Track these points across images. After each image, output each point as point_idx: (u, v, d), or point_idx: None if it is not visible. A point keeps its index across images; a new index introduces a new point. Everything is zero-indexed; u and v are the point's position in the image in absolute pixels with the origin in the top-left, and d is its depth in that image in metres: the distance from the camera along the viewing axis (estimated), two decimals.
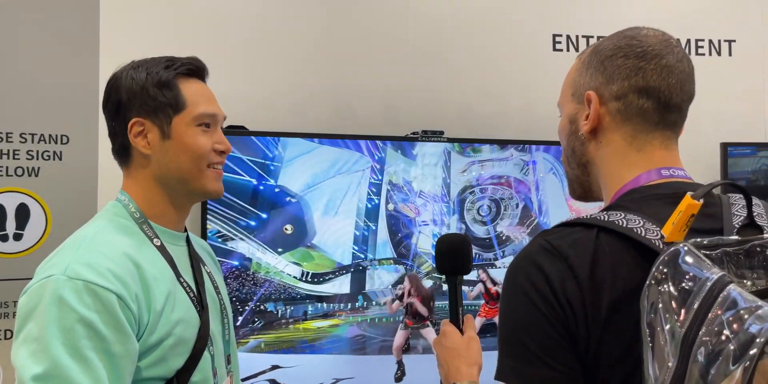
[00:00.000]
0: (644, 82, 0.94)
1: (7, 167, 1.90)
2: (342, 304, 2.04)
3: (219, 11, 2.17)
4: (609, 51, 0.97)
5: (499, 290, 1.17)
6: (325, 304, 2.02)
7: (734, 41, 2.56)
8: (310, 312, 2.00)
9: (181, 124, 1.12)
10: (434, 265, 2.10)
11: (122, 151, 1.14)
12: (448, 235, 1.33)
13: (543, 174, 2.25)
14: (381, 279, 2.08)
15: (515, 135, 2.29)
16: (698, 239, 0.76)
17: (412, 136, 2.17)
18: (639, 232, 0.82)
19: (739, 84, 2.52)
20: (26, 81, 1.93)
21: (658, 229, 0.82)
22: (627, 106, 0.95)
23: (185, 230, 1.21)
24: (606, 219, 0.86)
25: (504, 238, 2.21)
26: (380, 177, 2.09)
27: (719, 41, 2.56)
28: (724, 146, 2.45)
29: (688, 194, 0.78)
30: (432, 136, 2.18)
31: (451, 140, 2.17)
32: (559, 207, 2.26)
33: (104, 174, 1.99)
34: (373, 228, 2.07)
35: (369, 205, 2.07)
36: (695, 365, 0.67)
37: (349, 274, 2.05)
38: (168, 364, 1.05)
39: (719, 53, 2.55)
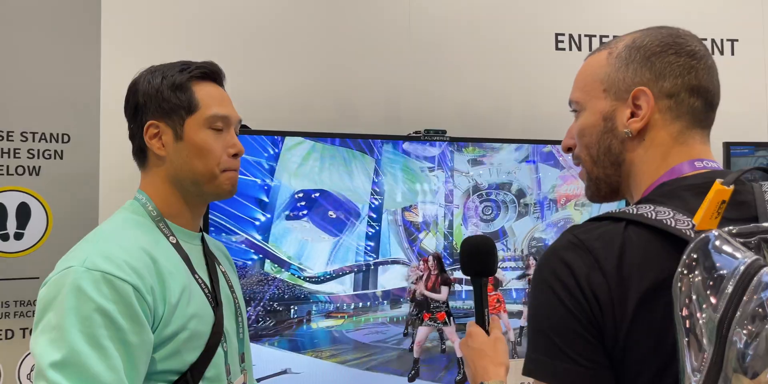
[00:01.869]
0: (696, 81, 0.93)
1: (7, 166, 1.89)
2: (347, 305, 2.03)
3: (221, 12, 2.16)
4: (656, 47, 0.94)
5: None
6: (331, 305, 2.02)
7: (737, 40, 2.56)
8: (314, 311, 1.99)
9: (193, 125, 1.16)
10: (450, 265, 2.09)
11: (140, 153, 1.19)
12: (473, 237, 1.32)
13: (545, 173, 2.25)
14: (386, 280, 2.07)
15: (517, 134, 2.28)
16: (732, 227, 0.75)
17: (414, 135, 2.16)
18: (669, 223, 0.81)
19: (742, 83, 2.52)
20: (27, 80, 1.92)
21: (689, 219, 0.81)
22: (679, 104, 0.93)
23: (200, 230, 1.25)
24: (635, 212, 0.85)
25: (509, 236, 2.21)
26: (382, 176, 2.08)
27: (722, 40, 2.56)
28: (727, 146, 2.45)
29: (717, 181, 0.77)
30: (434, 135, 2.17)
31: (453, 139, 2.17)
32: (561, 205, 2.25)
33: (105, 173, 1.98)
34: (377, 228, 2.06)
35: (372, 205, 2.06)
36: (732, 350, 0.66)
37: (353, 275, 2.04)
38: (182, 357, 1.08)
39: (722, 52, 2.55)
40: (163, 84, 1.16)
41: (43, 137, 1.93)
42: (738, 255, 0.70)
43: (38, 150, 1.92)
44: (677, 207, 0.84)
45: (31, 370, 1.89)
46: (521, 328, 2.21)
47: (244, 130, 1.96)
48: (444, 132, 2.17)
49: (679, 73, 0.93)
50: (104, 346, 0.97)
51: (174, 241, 1.15)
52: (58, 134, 1.94)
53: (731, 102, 2.51)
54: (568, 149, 1.06)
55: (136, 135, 1.18)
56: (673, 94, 0.93)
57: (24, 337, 1.89)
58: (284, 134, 2.00)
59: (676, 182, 0.90)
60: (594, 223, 0.87)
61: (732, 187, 0.77)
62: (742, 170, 0.81)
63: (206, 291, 1.15)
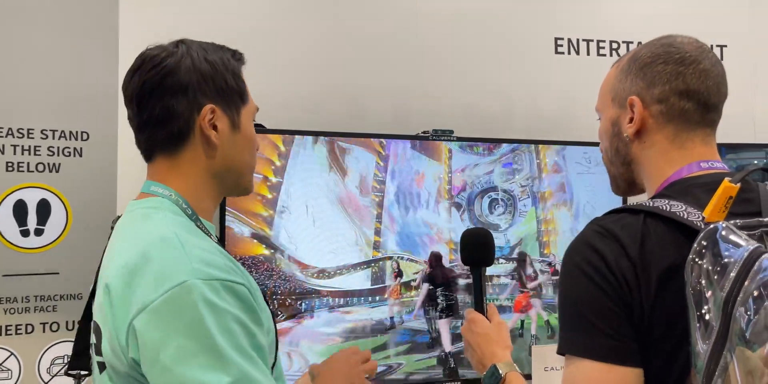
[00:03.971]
0: (684, 86, 1.04)
1: (28, 163, 1.91)
2: (357, 299, 2.09)
3: (236, 12, 2.20)
4: (648, 58, 1.06)
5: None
6: (341, 300, 2.07)
7: (725, 46, 2.68)
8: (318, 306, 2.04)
9: (246, 116, 1.08)
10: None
11: (179, 138, 1.01)
12: (472, 229, 1.43)
13: (549, 172, 2.33)
14: (394, 275, 2.13)
15: (520, 135, 2.36)
16: (738, 220, 0.85)
17: (422, 135, 2.22)
18: (682, 216, 0.92)
19: (731, 87, 2.63)
20: (46, 78, 1.94)
21: (699, 212, 0.91)
22: (669, 108, 1.04)
23: None
24: (651, 205, 0.95)
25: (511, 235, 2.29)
26: (390, 175, 2.14)
27: (711, 46, 2.66)
28: (717, 147, 2.55)
29: (726, 179, 0.88)
30: (442, 135, 2.24)
31: (460, 139, 2.24)
32: (564, 203, 2.34)
33: (124, 170, 2.01)
34: (384, 225, 2.12)
35: (378, 202, 2.12)
36: (735, 326, 0.76)
37: (360, 271, 2.09)
38: (271, 359, 0.98)
39: None
40: (221, 65, 1.04)
41: (62, 135, 1.95)
42: (742, 243, 0.80)
43: (58, 147, 1.95)
44: (689, 202, 0.94)
45: (52, 364, 1.91)
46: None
47: (260, 129, 2.00)
48: (451, 132, 2.25)
49: (666, 80, 1.03)
50: (252, 356, 0.89)
51: (216, 241, 1.03)
52: (77, 132, 1.97)
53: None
54: (602, 151, 1.18)
55: (177, 117, 1.00)
56: (663, 99, 1.03)
57: (44, 331, 1.91)
58: (295, 133, 2.05)
59: (686, 181, 1.01)
60: (615, 215, 0.97)
61: (738, 184, 0.87)
62: (747, 170, 0.92)
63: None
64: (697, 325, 0.81)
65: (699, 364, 0.79)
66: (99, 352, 0.98)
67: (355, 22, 2.34)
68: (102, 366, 0.97)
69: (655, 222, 0.93)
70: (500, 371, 1.17)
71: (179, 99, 1.00)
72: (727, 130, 2.55)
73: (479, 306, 1.29)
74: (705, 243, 0.83)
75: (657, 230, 0.92)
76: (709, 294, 0.80)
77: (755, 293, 0.76)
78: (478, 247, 1.36)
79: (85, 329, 1.11)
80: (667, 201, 0.95)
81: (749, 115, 2.69)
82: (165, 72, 1.01)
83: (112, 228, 1.07)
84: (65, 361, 1.91)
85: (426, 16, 2.41)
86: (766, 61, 2.70)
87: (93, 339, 1.02)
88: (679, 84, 1.03)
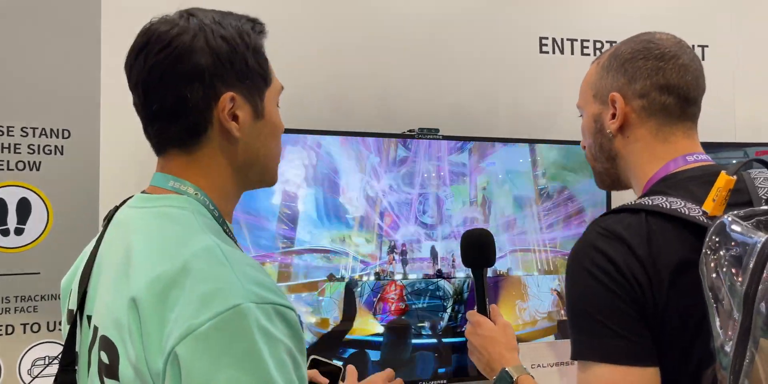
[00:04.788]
0: (665, 81, 1.05)
1: (8, 161, 1.88)
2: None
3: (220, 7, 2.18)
4: (628, 54, 1.08)
5: None
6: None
7: (707, 46, 2.70)
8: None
9: (270, 100, 0.94)
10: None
11: (194, 132, 0.88)
12: (473, 230, 1.41)
13: (539, 170, 2.34)
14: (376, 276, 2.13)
15: (505, 133, 2.37)
16: (735, 211, 0.86)
17: (408, 133, 2.22)
18: (683, 212, 0.92)
19: (712, 87, 2.65)
20: (27, 75, 1.91)
21: (698, 207, 0.92)
22: (651, 103, 1.06)
23: None
24: (651, 203, 0.95)
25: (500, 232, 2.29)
26: (376, 174, 2.13)
27: (693, 46, 2.69)
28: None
29: (723, 172, 0.89)
30: (428, 133, 2.24)
31: (446, 138, 2.24)
32: (549, 200, 2.34)
33: (106, 168, 1.98)
34: (370, 225, 2.12)
35: (366, 202, 2.11)
36: (759, 317, 0.76)
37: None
38: None
39: None
40: (242, 43, 0.89)
41: (43, 132, 1.93)
42: (752, 235, 0.81)
43: (38, 145, 1.92)
44: (685, 197, 0.95)
45: (33, 366, 1.88)
46: None
47: None
48: (437, 130, 2.25)
49: (647, 75, 1.05)
50: None
51: (241, 249, 0.90)
52: (58, 130, 1.94)
53: (702, 104, 2.68)
54: (584, 147, 1.19)
55: (194, 107, 0.86)
56: (644, 94, 1.05)
57: (25, 332, 1.89)
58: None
59: (677, 175, 1.02)
60: (615, 216, 0.97)
61: (735, 176, 0.89)
62: (742, 162, 0.93)
63: None
64: (718, 319, 0.81)
65: (725, 360, 0.79)
66: (113, 376, 0.83)
67: (341, 20, 2.33)
68: None
69: (657, 220, 0.93)
70: (512, 375, 1.15)
71: (194, 87, 0.86)
72: (708, 130, 2.59)
73: (482, 308, 1.28)
74: (717, 238, 0.83)
75: (661, 228, 0.92)
76: (728, 288, 0.80)
77: None
78: (478, 248, 1.34)
79: (72, 342, 0.95)
80: (664, 198, 0.95)
81: (730, 115, 2.72)
82: (176, 54, 0.86)
83: (109, 220, 0.95)
84: (46, 362, 1.88)
85: (411, 15, 2.40)
86: (747, 62, 2.73)
87: (105, 358, 0.85)
88: (660, 79, 1.05)
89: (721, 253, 0.82)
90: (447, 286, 2.19)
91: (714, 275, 0.82)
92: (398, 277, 2.12)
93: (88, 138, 1.97)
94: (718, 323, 0.81)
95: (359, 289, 2.07)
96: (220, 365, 0.73)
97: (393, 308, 2.11)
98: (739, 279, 0.79)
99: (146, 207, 0.90)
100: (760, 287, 0.77)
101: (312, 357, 1.27)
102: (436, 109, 2.40)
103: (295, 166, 2.02)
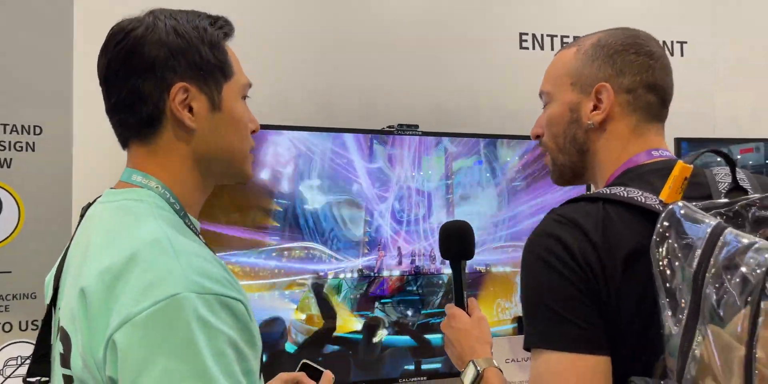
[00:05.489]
0: (653, 79, 1.04)
1: None
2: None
3: (196, 7, 2.14)
4: (618, 46, 1.05)
5: None
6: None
7: (686, 42, 2.71)
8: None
9: (230, 94, 0.95)
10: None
11: (148, 123, 0.91)
12: (452, 222, 1.39)
13: (516, 166, 2.33)
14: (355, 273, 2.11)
15: (485, 129, 2.36)
16: (694, 202, 0.85)
17: (387, 129, 2.20)
18: (640, 200, 0.92)
19: (691, 83, 2.67)
20: None
21: (655, 197, 0.91)
22: (636, 99, 1.04)
23: None
24: (608, 192, 0.95)
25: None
26: (356, 169, 2.11)
27: (672, 42, 2.71)
28: (678, 141, 2.60)
29: (680, 161, 0.89)
30: (407, 129, 2.22)
31: (425, 134, 2.22)
32: (528, 194, 2.34)
33: (79, 165, 1.95)
34: (353, 220, 2.10)
35: (347, 197, 2.09)
36: (706, 303, 0.76)
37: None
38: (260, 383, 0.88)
39: (672, 53, 2.69)
40: (196, 36, 0.92)
41: (14, 129, 1.88)
42: (704, 220, 0.80)
43: (9, 142, 1.88)
44: (643, 188, 0.94)
45: (5, 365, 1.84)
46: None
47: None
48: (416, 126, 2.23)
49: (637, 71, 1.02)
50: (242, 383, 0.78)
51: (204, 241, 0.92)
52: (29, 126, 1.90)
53: (681, 100, 2.68)
54: (537, 137, 1.14)
55: (146, 99, 0.90)
56: (632, 89, 1.03)
57: None
58: (263, 128, 2.00)
59: (640, 168, 1.01)
60: (573, 205, 0.96)
61: (692, 165, 0.88)
62: (699, 152, 0.93)
63: None
64: (667, 305, 0.80)
65: (673, 346, 0.78)
66: (66, 365, 0.85)
67: (321, 18, 2.31)
68: (69, 380, 0.85)
69: (614, 207, 0.92)
70: (478, 368, 1.13)
71: (146, 79, 0.89)
72: (688, 125, 2.62)
73: (459, 301, 1.26)
74: (668, 223, 0.82)
75: (617, 215, 0.91)
76: (677, 273, 0.79)
77: (723, 268, 0.75)
78: (457, 240, 1.32)
79: (45, 333, 0.98)
80: (623, 188, 0.95)
81: (709, 111, 2.74)
82: (128, 49, 0.90)
83: (82, 216, 0.97)
84: (18, 362, 1.84)
85: (392, 12, 2.39)
86: (725, 57, 2.74)
87: (60, 348, 0.88)
88: (649, 77, 1.03)
89: (672, 238, 0.81)
90: (426, 282, 2.17)
91: (663, 261, 0.81)
92: (385, 273, 2.11)
93: (61, 134, 1.93)
94: (667, 309, 0.80)
95: (342, 286, 2.05)
96: (156, 354, 0.74)
97: (375, 305, 2.09)
98: (688, 263, 0.78)
99: (109, 201, 0.92)
100: (708, 272, 0.76)
101: (302, 361, 1.30)
102: (416, 105, 2.39)
103: (275, 162, 1.99)
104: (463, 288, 1.27)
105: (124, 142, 0.95)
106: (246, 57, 2.14)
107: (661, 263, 0.81)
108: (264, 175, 1.97)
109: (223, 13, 2.23)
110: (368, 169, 2.13)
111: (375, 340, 2.09)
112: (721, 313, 0.74)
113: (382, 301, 2.11)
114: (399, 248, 2.15)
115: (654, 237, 0.83)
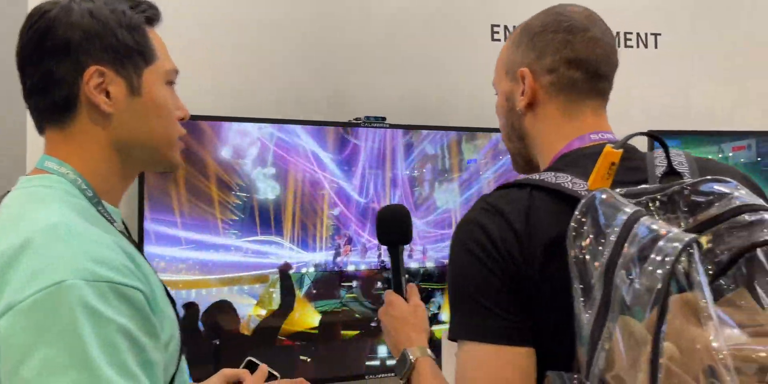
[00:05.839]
0: (573, 54, 1.01)
1: None
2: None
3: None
4: (538, 28, 1.04)
5: None
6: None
7: (660, 34, 2.68)
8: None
9: (152, 78, 0.93)
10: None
11: (63, 107, 0.89)
12: (389, 206, 1.36)
13: (485, 159, 2.30)
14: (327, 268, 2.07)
15: (455, 122, 2.32)
16: (621, 189, 0.83)
17: (354, 121, 2.17)
18: (567, 186, 0.89)
19: (666, 75, 2.64)
20: None
21: (585, 182, 0.88)
22: (559, 78, 1.02)
23: None
24: (537, 178, 0.92)
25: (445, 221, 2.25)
26: (323, 162, 2.08)
27: (646, 34, 2.68)
28: (656, 134, 2.56)
29: (608, 145, 0.86)
30: (374, 122, 2.19)
31: (393, 126, 2.19)
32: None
33: (34, 160, 1.90)
34: (322, 214, 2.06)
35: (314, 190, 2.05)
36: (617, 293, 0.73)
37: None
38: (168, 371, 0.87)
39: (646, 46, 2.66)
40: (113, 19, 0.90)
41: None
42: (622, 208, 0.77)
43: None
44: (576, 173, 0.91)
45: None
46: None
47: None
48: (384, 119, 2.20)
49: (556, 49, 1.01)
50: (135, 374, 0.75)
51: (120, 228, 0.90)
52: None
53: (655, 93, 2.66)
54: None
55: (60, 82, 0.88)
56: (553, 69, 1.01)
57: None
58: (226, 120, 1.97)
59: (576, 153, 0.98)
60: (502, 191, 0.95)
61: (621, 150, 0.85)
62: (629, 135, 0.90)
63: (162, 285, 0.91)
64: (581, 295, 0.77)
65: (583, 335, 0.75)
66: None
67: (290, 11, 2.28)
68: None
69: (541, 194, 0.90)
70: (410, 357, 1.10)
71: (59, 61, 0.88)
72: (664, 118, 2.58)
73: (398, 287, 1.23)
74: (584, 210, 0.79)
75: (543, 202, 0.89)
76: (590, 262, 0.77)
77: (635, 257, 0.72)
78: (394, 224, 1.27)
79: None
80: (554, 173, 0.92)
81: (684, 103, 2.71)
82: (42, 30, 0.88)
83: None
84: None
85: (360, 4, 2.35)
86: (700, 49, 2.71)
87: None
88: (568, 52, 1.01)
89: (587, 226, 0.78)
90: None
91: (577, 250, 0.79)
92: (350, 267, 2.07)
93: (14, 128, 1.89)
94: (580, 300, 0.77)
95: (303, 279, 2.01)
96: (37, 342, 0.71)
97: (339, 299, 2.05)
98: (600, 253, 0.75)
99: (21, 188, 0.91)
100: (619, 261, 0.73)
101: (248, 358, 1.30)
102: (385, 97, 2.35)
103: (238, 154, 1.95)
104: (401, 274, 1.23)
105: (41, 128, 0.94)
106: (213, 49, 2.14)
107: (575, 252, 0.79)
108: (227, 167, 1.93)
109: (194, 6, 2.21)
110: (335, 160, 2.09)
111: (338, 335, 2.04)
112: (630, 305, 0.71)
113: (346, 295, 2.07)
114: (363, 243, 2.11)
115: (570, 224, 0.81)
